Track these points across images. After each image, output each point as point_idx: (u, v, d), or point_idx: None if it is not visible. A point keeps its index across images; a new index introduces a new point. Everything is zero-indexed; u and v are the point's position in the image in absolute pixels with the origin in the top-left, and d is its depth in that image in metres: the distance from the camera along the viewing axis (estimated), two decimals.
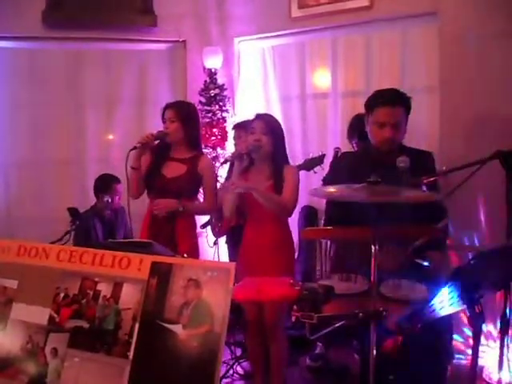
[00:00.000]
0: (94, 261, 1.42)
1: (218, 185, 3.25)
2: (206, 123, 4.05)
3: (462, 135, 2.78)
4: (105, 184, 3.53)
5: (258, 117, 2.56)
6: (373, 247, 1.44)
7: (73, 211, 3.29)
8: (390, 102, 2.07)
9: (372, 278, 1.50)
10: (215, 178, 2.89)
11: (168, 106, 2.74)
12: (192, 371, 1.21)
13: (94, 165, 4.11)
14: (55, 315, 1.41)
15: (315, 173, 3.03)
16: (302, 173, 3.40)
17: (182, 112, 2.71)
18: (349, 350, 2.98)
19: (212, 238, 3.39)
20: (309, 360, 3.15)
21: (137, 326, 1.30)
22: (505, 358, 2.03)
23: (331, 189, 1.68)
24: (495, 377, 2.65)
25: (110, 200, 3.47)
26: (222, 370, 3.13)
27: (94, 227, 3.36)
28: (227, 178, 3.45)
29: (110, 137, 4.41)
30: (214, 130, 4.01)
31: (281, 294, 1.37)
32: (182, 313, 1.26)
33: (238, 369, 3.15)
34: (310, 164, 2.98)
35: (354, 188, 1.48)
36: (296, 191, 2.49)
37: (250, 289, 1.37)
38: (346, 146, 3.21)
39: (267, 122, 2.50)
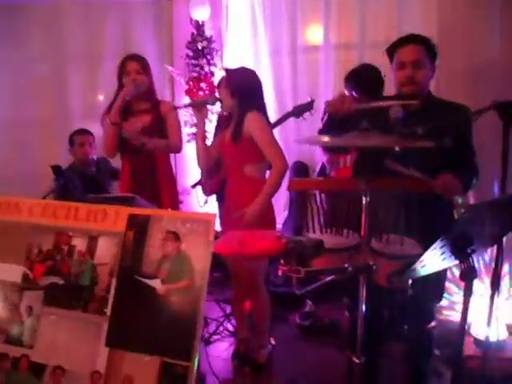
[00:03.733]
0: (68, 214, 1.34)
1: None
2: (194, 77, 3.90)
3: (460, 85, 2.68)
4: (69, 140, 3.43)
5: (224, 70, 2.50)
6: (364, 198, 1.37)
7: (56, 169, 3.18)
8: (409, 40, 2.04)
9: (362, 232, 1.43)
10: (178, 118, 2.83)
11: (132, 58, 2.67)
12: (172, 327, 1.16)
13: (79, 122, 3.95)
14: (29, 272, 1.35)
15: (304, 119, 2.93)
16: (292, 125, 3.30)
17: (146, 64, 2.68)
18: (339, 307, 2.98)
19: (202, 198, 3.35)
20: (298, 318, 3.14)
21: (114, 281, 1.24)
22: (493, 314, 2.02)
23: (324, 138, 1.61)
24: (483, 333, 2.65)
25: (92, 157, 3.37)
26: (212, 327, 3.13)
27: (73, 184, 3.25)
28: (215, 135, 3.36)
29: (98, 95, 4.26)
30: (202, 84, 3.86)
31: (265, 247, 1.31)
32: (160, 267, 1.19)
33: (228, 326, 3.14)
34: (299, 110, 2.88)
35: (347, 136, 1.40)
36: (273, 142, 2.36)
37: (233, 242, 1.30)
38: None
39: (228, 76, 2.43)
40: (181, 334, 1.13)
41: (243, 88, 2.41)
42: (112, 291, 1.23)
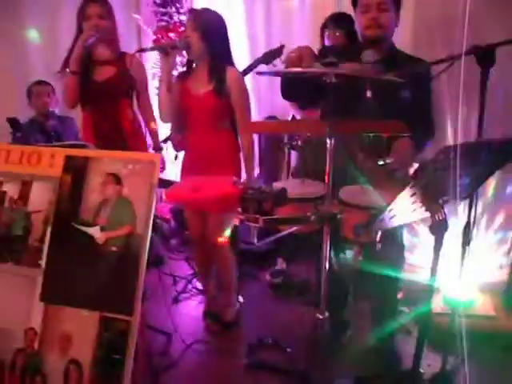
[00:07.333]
0: None
1: None
2: (162, 27, 3.67)
3: (437, 34, 2.54)
4: (27, 92, 3.28)
5: (190, 12, 2.28)
6: (328, 141, 1.26)
7: (12, 121, 3.00)
8: None
9: (326, 179, 1.32)
10: (146, 76, 2.70)
11: (93, 1, 2.43)
12: (112, 278, 1.04)
13: (38, 73, 3.70)
14: None
15: (275, 66, 2.79)
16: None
17: (109, 8, 2.47)
18: (312, 265, 2.92)
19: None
20: (269, 276, 3.08)
21: (49, 230, 1.11)
22: (464, 269, 1.96)
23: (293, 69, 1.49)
24: (453, 289, 2.61)
25: (53, 110, 3.20)
26: (180, 285, 3.07)
27: (34, 139, 3.08)
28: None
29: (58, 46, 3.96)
30: (171, 34, 3.63)
31: (221, 192, 1.19)
32: (99, 213, 1.07)
33: (197, 284, 3.07)
34: (269, 56, 2.73)
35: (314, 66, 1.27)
36: (248, 108, 2.33)
37: (185, 188, 1.18)
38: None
39: (197, 17, 2.22)
40: (122, 287, 1.02)
41: (215, 31, 2.24)
42: (47, 241, 1.10)
